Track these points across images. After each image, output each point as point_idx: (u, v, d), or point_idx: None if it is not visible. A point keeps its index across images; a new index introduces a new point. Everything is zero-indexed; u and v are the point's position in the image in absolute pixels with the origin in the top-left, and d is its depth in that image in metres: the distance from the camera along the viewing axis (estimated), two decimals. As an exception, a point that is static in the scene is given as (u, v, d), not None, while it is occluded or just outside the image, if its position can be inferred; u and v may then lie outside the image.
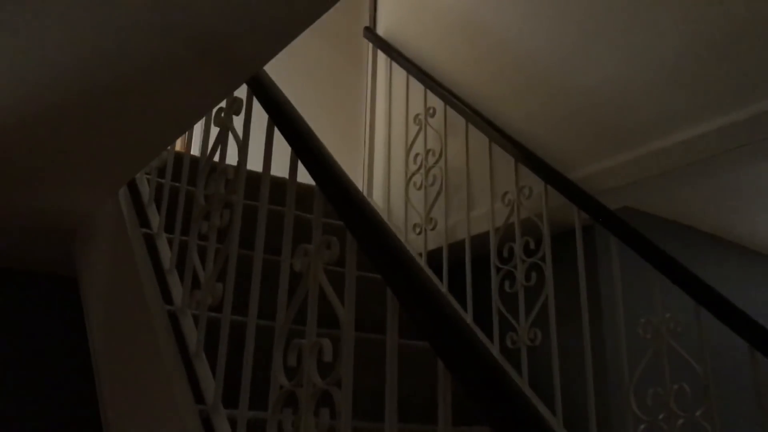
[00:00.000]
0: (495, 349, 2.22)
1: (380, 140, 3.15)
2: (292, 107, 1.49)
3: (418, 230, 2.68)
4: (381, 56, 3.25)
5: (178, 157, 2.13)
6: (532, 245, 2.21)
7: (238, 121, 1.69)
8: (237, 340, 1.53)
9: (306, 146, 1.37)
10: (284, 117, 1.46)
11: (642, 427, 1.80)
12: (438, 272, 2.51)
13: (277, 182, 1.98)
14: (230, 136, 1.69)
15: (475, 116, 2.53)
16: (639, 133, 2.15)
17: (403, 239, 2.76)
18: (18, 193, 2.11)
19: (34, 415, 2.41)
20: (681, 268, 1.81)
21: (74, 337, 2.20)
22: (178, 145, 2.21)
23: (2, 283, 2.60)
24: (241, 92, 1.65)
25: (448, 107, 2.68)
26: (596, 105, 2.27)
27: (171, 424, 1.48)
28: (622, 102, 2.20)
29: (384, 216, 2.93)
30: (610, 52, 2.24)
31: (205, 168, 1.76)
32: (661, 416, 1.78)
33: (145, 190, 2.12)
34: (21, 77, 1.46)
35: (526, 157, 2.30)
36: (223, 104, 1.72)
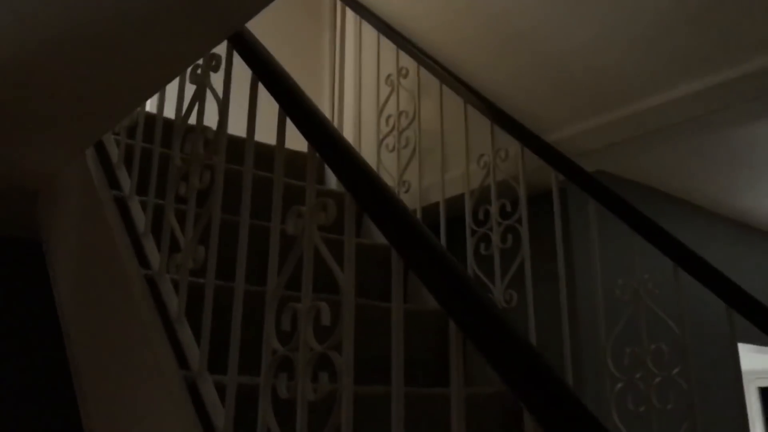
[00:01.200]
0: (470, 311, 2.23)
1: (349, 102, 3.09)
2: (279, 63, 1.44)
3: (390, 192, 2.66)
4: (349, 14, 3.18)
5: (150, 118, 2.05)
6: (508, 207, 2.21)
7: (216, 79, 1.63)
8: (220, 306, 1.50)
9: (296, 102, 1.33)
10: (271, 72, 1.41)
11: (619, 386, 1.84)
12: (411, 235, 2.50)
13: (260, 149, 1.90)
14: (208, 96, 1.63)
15: (449, 77, 2.50)
16: (614, 97, 2.16)
17: (374, 202, 2.73)
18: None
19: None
20: (658, 228, 1.84)
21: (40, 302, 2.12)
22: (148, 107, 2.12)
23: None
24: (219, 50, 1.59)
25: (421, 68, 2.64)
26: (573, 68, 2.26)
27: (156, 391, 1.44)
28: (599, 66, 2.20)
29: (355, 178, 2.90)
30: (588, 16, 2.23)
31: (182, 127, 1.69)
32: (638, 375, 1.82)
33: (114, 151, 2.04)
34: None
35: (503, 119, 2.28)
36: (199, 61, 1.65)
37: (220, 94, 1.58)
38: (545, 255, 2.12)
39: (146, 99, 1.75)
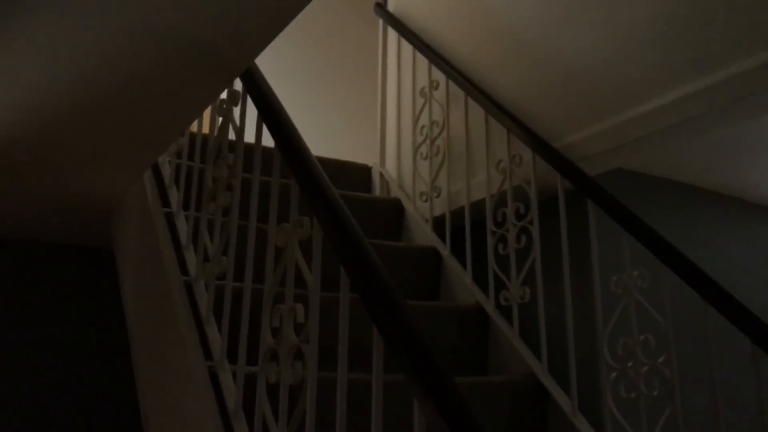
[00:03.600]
0: (490, 306, 2.41)
1: (391, 113, 3.32)
2: (277, 102, 1.69)
3: (424, 198, 2.87)
4: (391, 31, 3.41)
5: (195, 139, 2.35)
6: (522, 210, 2.38)
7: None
8: (240, 304, 1.77)
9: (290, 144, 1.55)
10: (273, 117, 1.64)
11: (614, 374, 1.98)
12: (444, 237, 2.70)
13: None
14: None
15: (473, 89, 2.69)
16: (620, 100, 2.28)
17: (411, 207, 2.95)
18: (61, 181, 2.38)
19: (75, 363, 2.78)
20: (645, 227, 1.96)
21: (116, 305, 2.47)
22: (195, 126, 2.43)
23: (53, 257, 2.92)
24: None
25: (450, 81, 2.83)
26: (582, 75, 2.39)
27: (187, 378, 1.73)
28: (605, 71, 2.32)
29: (395, 185, 3.13)
30: (592, 24, 2.36)
31: (213, 153, 1.98)
32: (629, 364, 1.96)
33: (167, 173, 2.36)
34: (49, 83, 1.70)
35: (517, 127, 2.45)
36: (224, 96, 1.93)
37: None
38: (556, 254, 2.27)
39: (181, 132, 2.05)
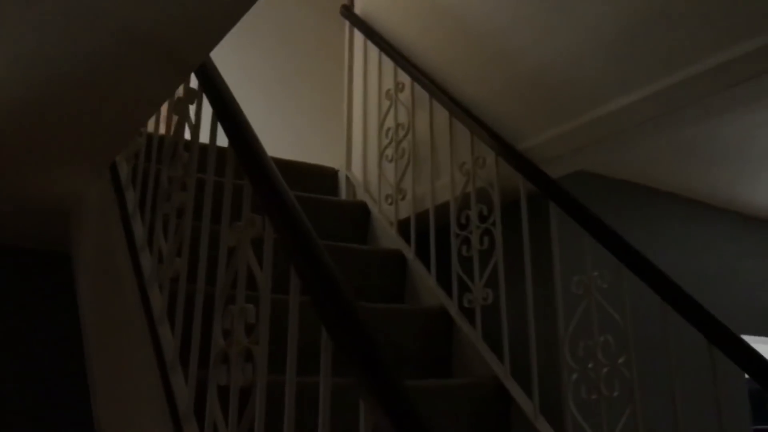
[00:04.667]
0: (454, 308, 2.39)
1: (358, 115, 3.30)
2: (234, 102, 1.65)
3: (389, 201, 2.85)
4: (357, 33, 3.39)
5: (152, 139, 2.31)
6: (485, 212, 2.37)
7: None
8: (193, 306, 1.73)
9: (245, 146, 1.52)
10: (226, 115, 1.61)
11: (574, 376, 1.97)
12: (410, 239, 2.68)
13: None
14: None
15: (437, 91, 2.67)
16: (585, 102, 2.28)
17: (377, 210, 2.93)
18: (17, 180, 2.33)
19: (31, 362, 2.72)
20: (604, 228, 1.96)
21: (71, 309, 2.42)
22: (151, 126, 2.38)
23: (10, 260, 2.86)
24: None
25: (415, 83, 2.82)
26: (546, 80, 2.39)
27: (140, 381, 1.69)
28: (569, 76, 2.32)
29: (361, 188, 3.11)
30: (559, 30, 2.36)
31: (168, 152, 1.94)
32: (590, 365, 1.95)
33: (124, 173, 2.31)
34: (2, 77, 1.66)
35: (481, 129, 2.44)
36: (180, 93, 1.89)
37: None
38: (519, 255, 2.26)
39: (138, 129, 2.01)
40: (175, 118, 1.93)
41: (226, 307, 1.44)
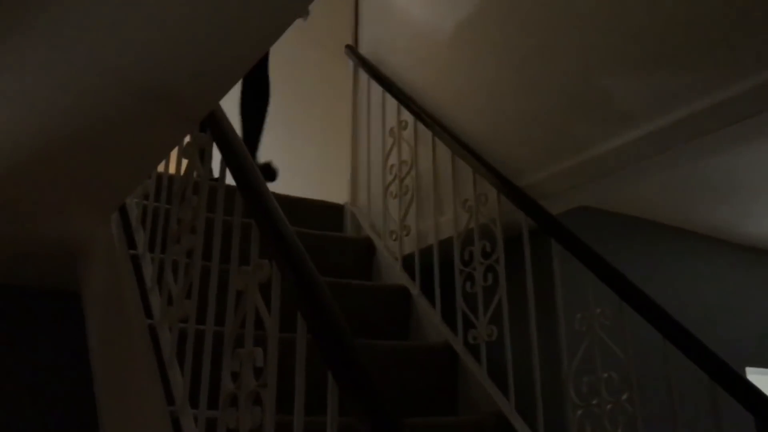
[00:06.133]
0: (459, 345, 2.42)
1: (363, 152, 3.36)
2: (243, 150, 1.70)
3: (394, 237, 2.89)
4: (362, 72, 3.45)
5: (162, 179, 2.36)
6: (488, 248, 2.40)
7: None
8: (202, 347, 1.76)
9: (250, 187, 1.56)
10: (235, 164, 1.66)
11: (579, 412, 1.99)
12: (414, 275, 2.71)
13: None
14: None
15: (440, 129, 2.73)
16: (580, 139, 2.33)
17: (382, 245, 2.97)
18: (28, 222, 2.38)
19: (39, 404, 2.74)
20: (605, 265, 1.99)
21: (82, 348, 2.45)
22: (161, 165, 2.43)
23: (19, 300, 2.90)
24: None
25: (418, 121, 2.87)
26: (547, 117, 2.45)
27: (149, 423, 1.71)
28: (565, 110, 2.38)
29: (366, 223, 3.15)
30: (558, 71, 2.42)
31: (178, 195, 1.98)
32: (594, 401, 1.97)
33: (134, 214, 2.35)
34: (14, 126, 1.71)
35: (482, 166, 2.48)
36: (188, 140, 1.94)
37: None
38: (523, 292, 2.29)
39: (147, 174, 2.06)
40: (184, 162, 1.98)
41: (234, 351, 1.47)
